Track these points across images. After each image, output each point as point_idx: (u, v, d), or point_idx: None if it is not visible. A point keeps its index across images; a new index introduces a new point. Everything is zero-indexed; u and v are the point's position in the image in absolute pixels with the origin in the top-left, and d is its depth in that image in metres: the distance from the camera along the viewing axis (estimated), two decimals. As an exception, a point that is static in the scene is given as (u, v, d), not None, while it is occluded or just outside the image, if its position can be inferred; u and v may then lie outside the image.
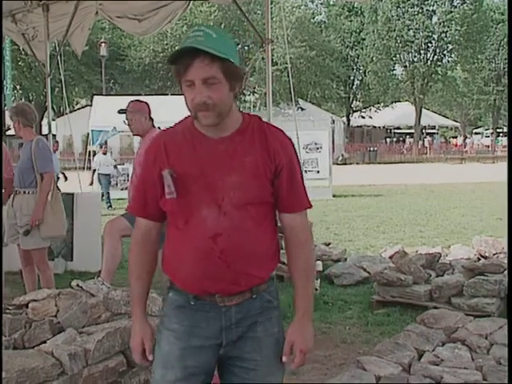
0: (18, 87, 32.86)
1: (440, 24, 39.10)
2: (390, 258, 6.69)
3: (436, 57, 40.88)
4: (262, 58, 29.09)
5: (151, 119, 4.88)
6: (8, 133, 19.58)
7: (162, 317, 2.06)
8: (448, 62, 41.36)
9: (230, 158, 1.91)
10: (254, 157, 1.91)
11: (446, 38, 39.64)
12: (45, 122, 33.00)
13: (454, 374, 3.00)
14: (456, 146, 41.81)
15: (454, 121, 50.56)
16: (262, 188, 1.92)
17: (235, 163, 1.90)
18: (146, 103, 4.81)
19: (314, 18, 42.41)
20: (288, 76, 30.80)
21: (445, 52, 41.04)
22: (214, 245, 1.87)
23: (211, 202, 1.88)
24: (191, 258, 1.90)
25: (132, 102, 4.93)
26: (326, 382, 3.29)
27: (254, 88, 36.75)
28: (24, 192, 5.06)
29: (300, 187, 2.00)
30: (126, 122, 4.93)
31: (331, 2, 45.37)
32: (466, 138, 48.30)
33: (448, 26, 38.58)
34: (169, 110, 13.33)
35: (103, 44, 28.74)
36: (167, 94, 28.47)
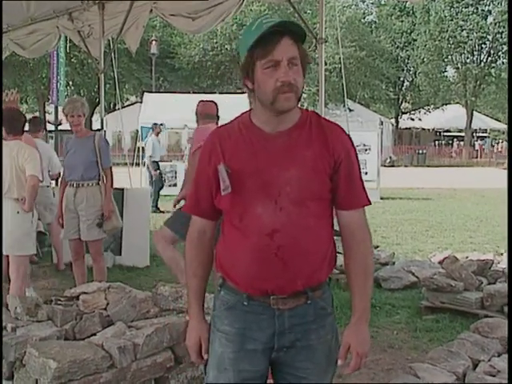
0: (70, 83, 33.62)
1: (496, 24, 38.04)
2: (440, 263, 6.56)
3: (490, 58, 39.84)
4: (312, 58, 29.02)
5: (207, 117, 4.97)
6: (55, 128, 20.09)
7: (213, 317, 2.02)
8: (503, 63, 40.13)
9: (289, 153, 1.86)
10: (313, 151, 1.87)
11: (501, 39, 38.53)
12: (95, 117, 33.77)
13: (510, 386, 2.89)
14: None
15: (507, 124, 49.27)
16: (320, 183, 1.87)
17: (294, 158, 1.86)
18: (205, 103, 5.04)
19: (364, 18, 42.00)
20: (337, 76, 30.67)
21: (499, 53, 39.91)
22: (271, 241, 1.83)
23: (267, 198, 1.84)
24: (246, 255, 1.86)
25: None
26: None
27: (303, 87, 36.61)
28: (88, 184, 5.20)
29: (358, 183, 1.95)
30: None
31: (382, 2, 44.82)
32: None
33: (504, 27, 37.40)
34: (217, 109, 13.36)
35: (154, 42, 29.07)
36: (215, 93, 28.68)
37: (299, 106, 1.97)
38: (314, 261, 1.89)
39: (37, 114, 35.29)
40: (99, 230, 5.21)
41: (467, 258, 6.87)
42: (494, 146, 43.75)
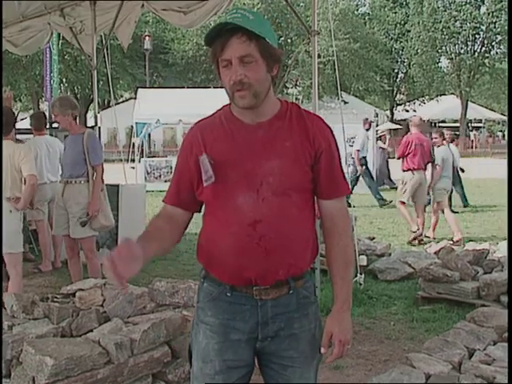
0: (64, 80, 33.48)
1: (489, 14, 37.97)
2: (436, 253, 6.59)
3: (484, 48, 39.79)
4: (306, 51, 29.01)
5: None
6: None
7: (197, 309, 2.03)
8: (496, 53, 40.09)
9: (270, 144, 1.89)
10: (294, 142, 1.90)
11: (494, 29, 38.47)
12: (89, 114, 33.66)
13: (507, 374, 2.90)
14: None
15: (502, 114, 49.31)
16: (302, 173, 1.90)
17: (275, 148, 1.88)
18: None
19: (357, 10, 41.87)
20: (331, 69, 30.60)
21: (493, 43, 39.87)
22: (253, 232, 1.84)
23: (249, 188, 1.86)
24: (227, 245, 1.87)
25: None
26: (371, 377, 3.24)
27: (297, 81, 36.57)
28: (75, 182, 5.18)
29: (339, 173, 1.98)
30: None
31: (375, -7, 44.69)
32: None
33: (497, 17, 37.38)
34: (211, 103, 13.33)
35: (147, 37, 28.99)
36: (210, 87, 28.57)
37: (281, 98, 1.99)
38: (297, 250, 1.91)
39: (31, 111, 35.19)
40: (86, 229, 5.18)
41: (463, 247, 6.90)
42: (491, 137, 43.80)
